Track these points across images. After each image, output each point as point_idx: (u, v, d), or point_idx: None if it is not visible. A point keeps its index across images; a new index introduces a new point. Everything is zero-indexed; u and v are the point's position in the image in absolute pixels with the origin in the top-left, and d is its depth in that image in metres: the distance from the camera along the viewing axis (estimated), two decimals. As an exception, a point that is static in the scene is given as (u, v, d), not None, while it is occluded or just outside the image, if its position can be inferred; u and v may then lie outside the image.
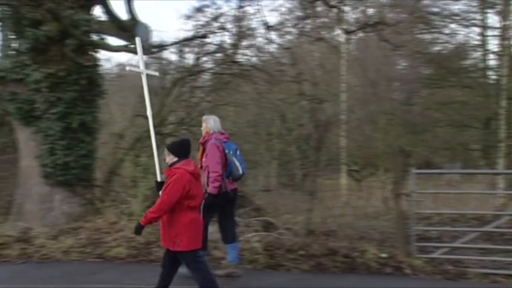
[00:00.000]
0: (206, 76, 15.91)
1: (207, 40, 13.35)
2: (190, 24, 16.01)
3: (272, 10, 15.90)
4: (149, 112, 7.06)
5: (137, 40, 6.96)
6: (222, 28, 13.27)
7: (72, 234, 8.57)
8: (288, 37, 15.43)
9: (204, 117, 7.15)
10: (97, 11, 10.71)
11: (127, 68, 7.81)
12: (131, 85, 22.84)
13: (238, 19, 13.55)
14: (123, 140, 16.30)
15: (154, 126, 14.29)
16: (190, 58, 14.11)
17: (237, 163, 6.75)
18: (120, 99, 23.52)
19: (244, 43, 14.36)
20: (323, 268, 7.33)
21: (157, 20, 48.30)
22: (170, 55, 22.53)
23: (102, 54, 10.64)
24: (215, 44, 13.65)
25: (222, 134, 6.86)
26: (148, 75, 7.07)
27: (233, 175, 6.71)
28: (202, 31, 12.64)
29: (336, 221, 9.85)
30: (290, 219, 10.31)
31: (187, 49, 13.74)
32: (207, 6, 13.81)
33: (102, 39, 10.48)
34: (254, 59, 15.03)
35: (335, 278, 7.02)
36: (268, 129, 19.83)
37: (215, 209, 6.71)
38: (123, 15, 11.03)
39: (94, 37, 10.24)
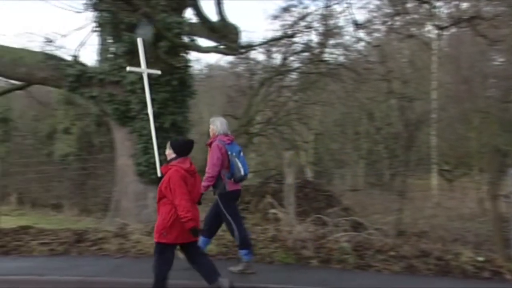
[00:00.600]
0: (293, 76, 15.93)
1: (294, 39, 13.36)
2: (277, 24, 16.08)
3: (360, 7, 15.70)
4: (150, 111, 7.71)
5: (139, 40, 7.45)
6: (309, 27, 13.24)
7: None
8: (376, 34, 15.15)
9: (211, 119, 7.26)
10: (188, 14, 11.03)
11: (128, 68, 7.99)
12: (219, 85, 23.32)
13: (325, 18, 13.46)
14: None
15: (242, 126, 14.54)
16: (277, 58, 14.18)
17: (239, 165, 6.82)
18: (208, 99, 24.04)
19: (331, 41, 14.25)
20: (414, 270, 7.12)
21: (246, 20, 48.94)
22: (258, 55, 22.73)
23: (192, 55, 10.89)
24: (302, 44, 13.64)
25: (227, 136, 6.96)
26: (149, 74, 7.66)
27: (235, 176, 6.80)
28: (289, 31, 12.65)
29: (427, 222, 9.56)
30: (379, 219, 10.11)
31: (274, 49, 13.82)
32: (294, 6, 13.85)
33: (193, 40, 10.73)
34: (341, 58, 14.87)
35: (428, 281, 6.79)
36: (355, 128, 19.57)
37: (232, 206, 6.88)
38: (213, 17, 11.29)
39: (186, 39, 10.49)
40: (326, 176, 17.96)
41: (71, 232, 9.10)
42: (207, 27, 10.74)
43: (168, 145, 5.94)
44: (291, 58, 14.35)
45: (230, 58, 16.66)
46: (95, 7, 10.08)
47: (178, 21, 9.92)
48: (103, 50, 10.73)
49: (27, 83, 12.07)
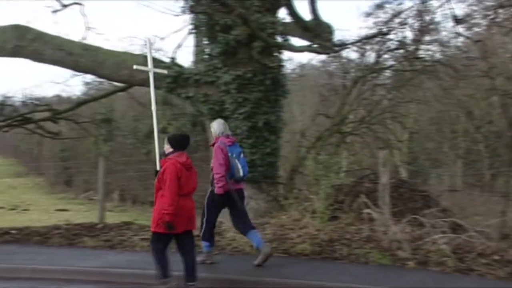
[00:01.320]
0: (387, 74, 15.58)
1: (388, 36, 13.06)
2: (371, 21, 15.78)
3: (459, 1, 15.07)
4: (153, 107, 8.08)
5: (147, 40, 8.01)
6: (404, 24, 12.89)
7: (259, 230, 8.90)
8: (477, 29, 14.46)
9: (211, 123, 7.80)
10: (282, 14, 11.08)
11: (134, 67, 8.35)
12: (311, 84, 23.26)
13: (421, 14, 13.06)
14: (304, 139, 16.64)
15: (335, 125, 14.41)
16: (371, 56, 13.92)
17: (239, 166, 7.25)
18: (300, 98, 24.04)
19: (427, 38, 13.79)
20: (521, 276, 6.74)
21: (339, 19, 48.56)
22: (351, 53, 22.44)
23: (285, 55, 10.94)
24: (396, 41, 13.30)
25: (228, 138, 7.42)
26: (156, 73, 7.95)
27: (235, 177, 7.23)
28: (383, 28, 12.37)
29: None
30: (480, 221, 9.65)
31: (368, 47, 13.57)
32: (388, 2, 13.53)
33: (286, 40, 10.77)
34: (438, 54, 14.34)
35: (536, 289, 6.42)
36: (453, 127, 18.85)
37: (220, 207, 7.47)
38: (306, 16, 11.28)
39: (279, 38, 10.55)
40: (422, 176, 17.43)
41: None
42: (300, 26, 10.74)
43: (166, 140, 6.45)
44: (385, 56, 14.04)
45: (322, 57, 16.56)
46: (192, 9, 10.37)
47: (272, 21, 10.00)
48: (199, 51, 11.02)
49: (129, 85, 12.63)
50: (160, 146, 7.34)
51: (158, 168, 6.93)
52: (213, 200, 7.35)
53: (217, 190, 7.19)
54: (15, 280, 7.08)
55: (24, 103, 13.21)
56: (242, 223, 7.58)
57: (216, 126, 7.53)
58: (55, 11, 12.05)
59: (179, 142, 6.45)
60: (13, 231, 9.29)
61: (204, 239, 7.59)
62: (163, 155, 6.53)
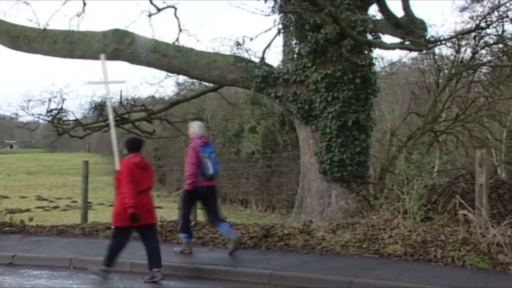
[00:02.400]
0: (483, 70, 14.92)
1: (486, 31, 12.48)
2: (466, 16, 15.15)
3: None
4: (111, 119, 8.64)
5: (102, 56, 8.58)
6: (503, 17, 12.27)
7: (349, 229, 8.82)
8: None
9: (189, 124, 8.72)
10: (373, 10, 10.90)
11: (86, 83, 9.24)
12: (402, 82, 22.74)
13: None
14: (394, 138, 16.30)
15: (427, 123, 13.98)
16: (466, 52, 13.37)
17: (209, 164, 7.96)
18: (390, 96, 23.55)
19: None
20: None
21: (433, 14, 46.99)
22: (443, 50, 21.69)
23: (374, 52, 10.75)
24: (494, 35, 12.69)
25: (201, 138, 8.10)
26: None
27: (205, 175, 7.96)
28: (481, 22, 11.84)
29: None
30: None
31: (463, 43, 13.05)
32: (486, -5, 12.96)
33: (377, 37, 10.59)
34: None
35: None
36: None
37: (191, 201, 8.30)
38: (398, 12, 11.03)
39: (369, 36, 10.39)
40: (523, 177, 16.52)
41: (260, 227, 9.54)
42: (392, 23, 10.51)
43: (124, 145, 7.27)
44: (482, 52, 13.45)
45: (413, 54, 16.11)
46: (281, 9, 10.43)
47: (362, 18, 9.86)
48: (288, 51, 11.07)
49: (219, 85, 12.91)
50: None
51: (117, 168, 7.58)
52: (187, 196, 8.18)
53: (186, 187, 8.08)
54: (117, 273, 7.43)
55: (121, 104, 13.82)
56: (214, 216, 8.32)
57: (197, 128, 8.26)
58: (150, 15, 12.52)
59: (134, 145, 7.23)
60: (113, 227, 9.75)
61: (181, 231, 8.40)
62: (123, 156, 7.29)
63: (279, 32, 11.20)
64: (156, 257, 7.04)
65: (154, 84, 22.12)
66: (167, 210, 18.98)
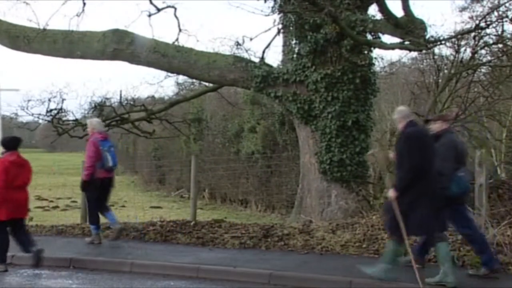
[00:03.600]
0: (483, 70, 14.90)
1: (485, 31, 12.45)
2: (466, 16, 15.15)
3: None
4: None
5: None
6: (503, 17, 12.25)
7: (349, 229, 8.83)
8: None
9: (88, 121, 9.47)
10: (372, 10, 10.91)
11: None
12: (402, 82, 22.71)
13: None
14: (394, 138, 16.27)
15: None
16: (466, 52, 13.34)
17: (109, 157, 8.72)
18: (389, 96, 23.53)
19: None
20: None
21: (432, 14, 46.96)
22: (443, 50, 21.68)
23: (374, 52, 10.76)
24: (494, 35, 12.67)
25: (100, 134, 8.89)
26: None
27: (105, 166, 8.70)
28: (481, 22, 11.83)
29: None
30: None
31: (462, 43, 13.02)
32: (486, -5, 12.93)
33: (377, 37, 10.59)
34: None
35: None
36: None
37: (93, 191, 8.84)
38: (397, 12, 11.03)
39: (369, 36, 10.40)
40: (522, 177, 16.51)
41: (259, 227, 9.55)
42: (391, 23, 10.52)
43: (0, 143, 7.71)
44: (482, 52, 13.42)
45: (413, 54, 16.11)
46: (281, 9, 10.44)
47: (362, 18, 9.87)
48: (288, 50, 11.08)
49: (219, 85, 12.91)
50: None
51: None
52: (93, 187, 8.78)
53: (84, 177, 8.80)
54: (116, 273, 7.44)
55: (121, 104, 13.82)
56: (103, 205, 8.98)
57: (96, 124, 9.03)
58: (150, 15, 12.52)
59: (9, 144, 7.63)
60: (112, 226, 9.75)
61: (90, 223, 9.09)
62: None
63: (278, 32, 11.21)
64: (28, 244, 7.54)
65: (154, 84, 22.08)
66: (166, 210, 19.04)
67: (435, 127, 6.75)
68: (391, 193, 6.28)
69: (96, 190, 8.85)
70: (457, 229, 7.01)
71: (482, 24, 11.81)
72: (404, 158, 6.15)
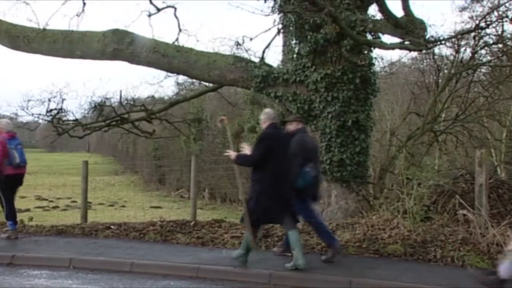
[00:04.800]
0: (483, 70, 14.92)
1: (485, 31, 12.47)
2: (466, 16, 15.19)
3: None
4: None
5: None
6: (503, 17, 12.26)
7: (349, 229, 8.84)
8: None
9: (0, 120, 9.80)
10: (372, 10, 10.90)
11: None
12: (402, 82, 22.74)
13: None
14: (394, 138, 16.30)
15: (426, 123, 13.97)
16: (466, 52, 13.36)
17: (16, 155, 9.20)
18: (390, 96, 23.56)
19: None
20: None
21: (432, 14, 47.04)
22: (443, 50, 21.71)
23: (374, 52, 10.75)
24: (494, 35, 12.69)
25: (8, 133, 9.30)
26: None
27: (13, 164, 9.16)
28: (481, 22, 11.83)
29: None
30: None
31: (462, 43, 13.04)
32: (486, -5, 12.95)
33: (377, 37, 10.59)
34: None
35: None
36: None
37: (5, 188, 9.23)
38: (397, 12, 11.02)
39: (369, 36, 10.40)
40: (523, 177, 16.51)
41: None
42: (391, 23, 10.50)
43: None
44: (482, 51, 13.43)
45: (413, 54, 16.12)
46: (281, 9, 10.44)
47: (362, 18, 9.87)
48: (288, 50, 11.08)
49: (219, 85, 12.91)
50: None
51: None
52: (4, 183, 9.16)
53: None
54: (116, 273, 7.44)
55: (121, 104, 13.83)
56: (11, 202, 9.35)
57: (4, 124, 9.44)
58: (150, 15, 12.53)
59: None
60: (112, 227, 9.78)
61: (7, 219, 9.40)
62: None
63: (278, 32, 11.21)
64: None
65: (154, 84, 22.10)
66: (166, 210, 19.05)
67: (291, 127, 7.77)
68: (232, 155, 7.33)
69: (7, 186, 9.28)
70: (304, 219, 7.82)
71: (482, 24, 11.83)
72: (252, 151, 7.17)
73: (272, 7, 10.61)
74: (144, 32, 16.06)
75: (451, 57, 14.06)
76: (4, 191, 9.29)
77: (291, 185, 7.20)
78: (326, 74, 10.21)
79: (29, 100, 13.33)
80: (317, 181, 7.69)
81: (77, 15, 12.22)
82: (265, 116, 7.38)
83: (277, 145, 7.11)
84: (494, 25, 12.28)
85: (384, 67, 20.21)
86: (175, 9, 12.80)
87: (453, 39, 12.14)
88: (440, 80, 14.71)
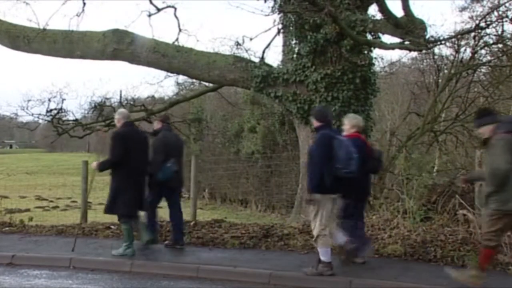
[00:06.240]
0: (483, 70, 14.92)
1: (485, 31, 12.47)
2: (466, 16, 15.21)
3: None
4: None
5: None
6: (503, 17, 12.26)
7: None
8: None
9: None
10: (372, 10, 10.92)
11: None
12: (402, 82, 22.73)
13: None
14: (394, 138, 16.29)
15: (427, 123, 13.96)
16: (466, 52, 13.36)
17: None
18: (389, 96, 23.56)
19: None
20: None
21: (432, 14, 47.02)
22: (443, 50, 21.71)
23: (374, 52, 10.77)
24: (494, 35, 12.69)
25: None
26: None
27: None
28: (481, 22, 11.84)
29: None
30: None
31: (462, 43, 13.04)
32: (486, -5, 12.96)
33: (377, 37, 10.59)
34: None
35: None
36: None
37: None
38: (397, 12, 11.04)
39: (369, 36, 10.40)
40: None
41: (259, 227, 9.53)
42: (391, 23, 10.52)
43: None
44: (482, 51, 13.44)
45: (413, 54, 16.13)
46: (281, 9, 10.44)
47: (362, 18, 9.88)
48: (288, 50, 11.08)
49: (219, 85, 12.91)
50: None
51: None
52: None
53: None
54: (116, 273, 7.44)
55: (121, 104, 13.83)
56: None
57: None
58: (150, 15, 12.54)
59: None
60: (112, 227, 9.76)
61: None
62: None
63: (278, 32, 11.22)
64: None
65: (154, 84, 22.14)
66: (166, 210, 19.03)
67: (156, 125, 8.50)
68: (93, 165, 8.08)
69: None
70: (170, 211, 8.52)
71: (482, 24, 11.84)
72: (110, 151, 7.73)
73: (272, 7, 10.62)
74: (144, 32, 16.06)
75: (451, 57, 14.06)
76: None
77: (145, 179, 7.95)
78: (326, 74, 10.22)
79: (29, 100, 13.36)
80: (178, 176, 8.29)
81: (77, 15, 12.25)
82: (120, 116, 7.95)
83: (131, 142, 7.70)
84: (494, 25, 12.29)
85: (384, 67, 20.23)
86: (175, 9, 12.83)
87: (453, 39, 12.15)
88: (440, 80, 14.70)
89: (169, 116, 10.31)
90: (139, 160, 7.79)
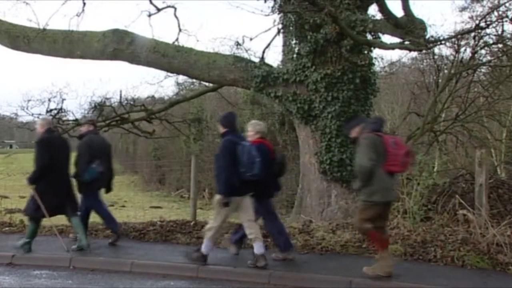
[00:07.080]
0: (483, 70, 14.92)
1: (485, 31, 12.47)
2: (466, 16, 15.22)
3: None
4: None
5: None
6: (503, 17, 12.25)
7: (349, 229, 8.83)
8: None
9: None
10: (372, 10, 10.91)
11: None
12: (402, 82, 22.74)
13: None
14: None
15: (426, 123, 13.96)
16: (466, 52, 13.36)
17: None
18: (389, 96, 23.57)
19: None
20: None
21: (432, 14, 47.03)
22: (443, 50, 21.72)
23: (374, 52, 10.76)
24: (494, 35, 12.69)
25: None
26: None
27: None
28: (481, 22, 11.84)
29: None
30: None
31: (462, 43, 13.04)
32: (486, -5, 12.96)
33: (377, 37, 10.59)
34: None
35: None
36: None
37: None
38: (397, 12, 11.04)
39: (369, 36, 10.39)
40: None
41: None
42: (391, 23, 10.51)
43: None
44: (481, 51, 13.43)
45: (413, 54, 16.14)
46: (281, 9, 10.43)
47: (362, 18, 9.86)
48: (288, 50, 11.07)
49: (219, 85, 12.91)
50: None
51: None
52: None
53: None
54: (116, 273, 7.44)
55: (121, 104, 13.83)
56: None
57: None
58: (150, 15, 12.54)
59: None
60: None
61: None
62: None
63: (278, 32, 11.21)
64: None
65: (154, 84, 22.17)
66: (166, 210, 19.03)
67: (83, 129, 9.02)
68: (25, 182, 8.14)
69: None
70: (93, 209, 8.76)
71: (482, 24, 11.83)
72: (36, 157, 7.95)
73: (272, 7, 10.59)
74: (144, 32, 16.06)
75: (451, 57, 14.07)
76: None
77: (69, 183, 8.31)
78: (326, 74, 10.21)
79: (29, 100, 13.32)
80: (105, 176, 8.65)
81: (77, 15, 12.25)
82: (42, 122, 8.38)
83: (53, 146, 8.06)
84: (494, 25, 12.28)
85: (384, 67, 20.23)
86: (175, 9, 12.83)
87: (453, 39, 12.14)
88: (440, 80, 14.71)
89: (95, 120, 10.74)
90: (63, 164, 8.20)
